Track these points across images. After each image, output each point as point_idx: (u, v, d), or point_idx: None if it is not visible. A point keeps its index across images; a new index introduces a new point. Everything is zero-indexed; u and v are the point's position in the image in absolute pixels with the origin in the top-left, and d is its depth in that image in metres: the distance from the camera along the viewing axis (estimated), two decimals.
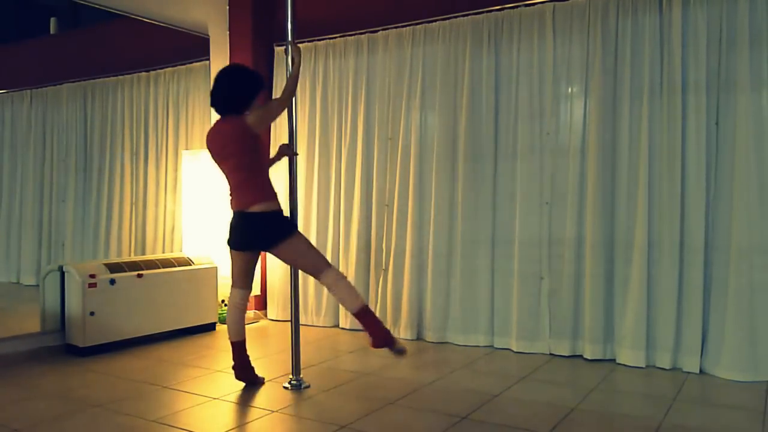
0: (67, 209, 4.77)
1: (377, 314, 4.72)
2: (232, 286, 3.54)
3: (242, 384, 3.55)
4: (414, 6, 4.69)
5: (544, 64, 4.21)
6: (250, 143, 3.28)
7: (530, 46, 4.25)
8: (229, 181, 3.36)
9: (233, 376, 3.55)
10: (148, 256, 4.67)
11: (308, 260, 3.33)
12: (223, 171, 3.37)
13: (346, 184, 4.97)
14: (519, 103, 4.30)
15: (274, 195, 3.33)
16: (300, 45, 4.94)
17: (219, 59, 5.35)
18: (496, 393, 3.37)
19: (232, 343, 3.55)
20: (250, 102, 3.34)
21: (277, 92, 5.31)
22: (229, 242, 3.44)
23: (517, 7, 4.29)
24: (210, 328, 4.85)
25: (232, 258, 3.50)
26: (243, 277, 3.51)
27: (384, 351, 3.38)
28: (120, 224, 4.97)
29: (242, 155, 3.27)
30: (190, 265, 4.73)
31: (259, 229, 3.29)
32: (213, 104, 3.37)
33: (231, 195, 3.37)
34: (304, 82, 5.14)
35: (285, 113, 3.50)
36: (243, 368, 3.55)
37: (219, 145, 3.31)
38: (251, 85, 3.36)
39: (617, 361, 3.95)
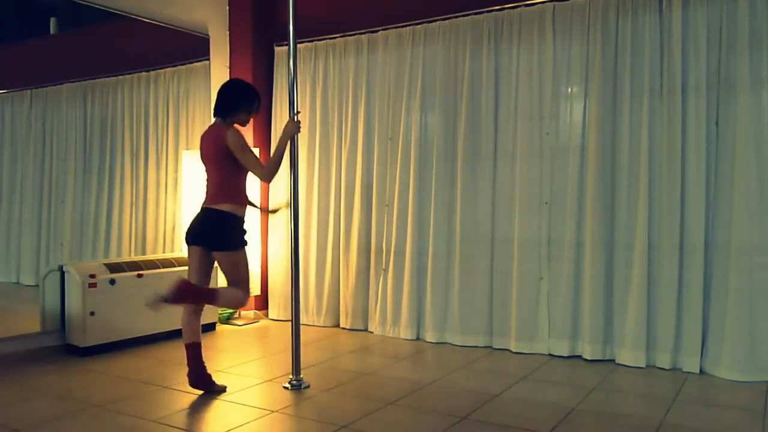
0: (67, 209, 4.76)
1: (377, 314, 4.75)
2: None
3: (242, 384, 3.55)
4: (414, 6, 4.69)
5: (544, 64, 4.21)
6: (225, 152, 3.35)
7: (530, 46, 4.25)
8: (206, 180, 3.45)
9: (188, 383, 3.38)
10: (148, 256, 4.68)
11: (239, 276, 3.41)
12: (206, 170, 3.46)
13: (346, 184, 4.97)
14: (519, 103, 4.30)
15: (241, 200, 3.40)
16: (300, 45, 4.97)
17: (219, 59, 5.35)
18: (496, 393, 3.37)
19: (186, 346, 3.36)
20: (237, 113, 3.44)
21: (276, 92, 5.31)
22: (186, 238, 3.44)
23: (517, 7, 4.29)
24: (210, 328, 4.84)
25: (189, 255, 3.45)
26: (198, 275, 3.42)
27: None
28: (120, 224, 4.96)
29: (220, 160, 3.39)
30: None
31: (214, 225, 3.36)
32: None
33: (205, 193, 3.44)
34: (304, 82, 5.14)
35: (284, 113, 3.53)
36: (198, 373, 3.36)
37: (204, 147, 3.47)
38: (241, 98, 3.46)
39: (617, 362, 3.95)
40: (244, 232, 3.42)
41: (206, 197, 3.40)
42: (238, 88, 3.49)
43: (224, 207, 3.33)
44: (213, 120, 3.49)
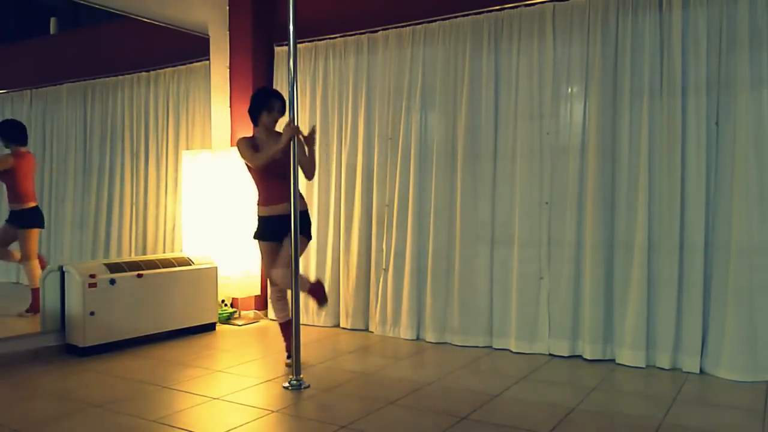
0: (67, 209, 4.76)
1: (378, 314, 4.75)
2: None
3: (242, 384, 3.55)
4: (414, 6, 4.69)
5: (544, 65, 4.21)
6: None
7: (530, 46, 4.25)
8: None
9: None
10: (148, 256, 4.67)
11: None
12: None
13: (346, 184, 4.97)
14: (519, 103, 4.30)
15: (263, 200, 3.87)
16: (300, 45, 4.97)
17: (219, 59, 5.35)
18: (496, 393, 3.38)
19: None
20: (257, 117, 3.87)
21: None
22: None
23: (517, 7, 4.29)
24: (210, 328, 4.84)
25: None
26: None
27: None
28: (120, 224, 4.96)
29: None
30: (190, 265, 4.73)
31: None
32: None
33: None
34: (304, 82, 5.14)
35: (286, 114, 3.72)
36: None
37: None
38: (254, 104, 3.87)
39: (617, 362, 3.95)
40: (262, 227, 3.89)
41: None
42: (253, 95, 3.91)
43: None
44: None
